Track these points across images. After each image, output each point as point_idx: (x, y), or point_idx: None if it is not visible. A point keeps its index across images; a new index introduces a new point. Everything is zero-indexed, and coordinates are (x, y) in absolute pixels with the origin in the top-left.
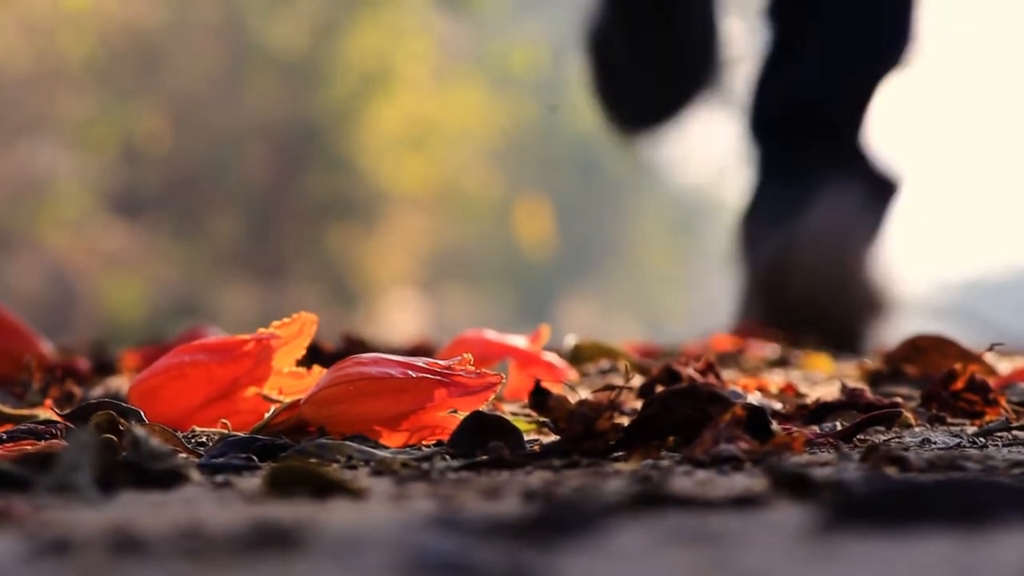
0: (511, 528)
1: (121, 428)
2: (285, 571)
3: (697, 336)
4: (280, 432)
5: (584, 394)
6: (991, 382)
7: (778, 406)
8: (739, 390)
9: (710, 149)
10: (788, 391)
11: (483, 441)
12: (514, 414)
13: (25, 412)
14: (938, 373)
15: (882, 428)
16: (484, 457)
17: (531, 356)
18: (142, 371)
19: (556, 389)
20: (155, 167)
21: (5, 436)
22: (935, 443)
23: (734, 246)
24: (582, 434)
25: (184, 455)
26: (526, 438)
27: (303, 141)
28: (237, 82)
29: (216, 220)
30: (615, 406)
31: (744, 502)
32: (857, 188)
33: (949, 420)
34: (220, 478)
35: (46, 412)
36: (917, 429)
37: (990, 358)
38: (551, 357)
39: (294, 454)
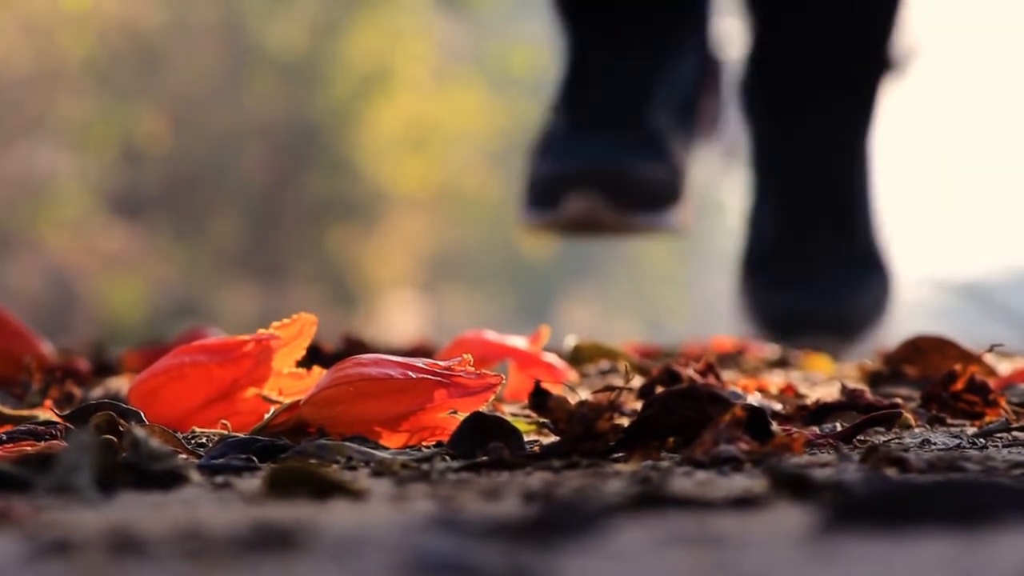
0: (511, 529)
1: (121, 429)
2: (285, 572)
3: (697, 337)
4: (280, 433)
5: (584, 395)
6: (991, 383)
7: (778, 407)
8: (739, 391)
9: (710, 149)
10: (788, 392)
11: (483, 442)
12: (514, 415)
13: (25, 413)
14: (938, 374)
15: (882, 429)
16: (484, 458)
17: (531, 357)
18: (142, 372)
19: (556, 390)
20: (155, 168)
21: (5, 437)
22: (935, 444)
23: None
24: (582, 435)
25: (184, 456)
26: (526, 439)
27: (303, 142)
28: (237, 83)
29: (216, 221)
30: (615, 407)
31: (744, 503)
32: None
33: (949, 421)
34: (220, 479)
35: (46, 413)
36: (917, 430)
37: (990, 359)
38: (551, 358)
39: (294, 455)
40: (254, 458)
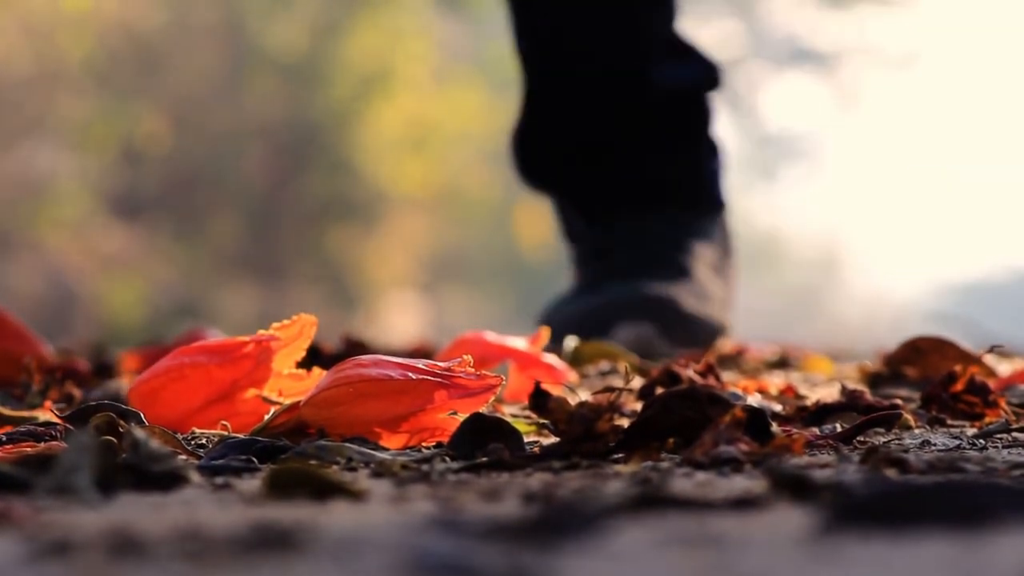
0: (511, 530)
1: (121, 430)
2: (285, 573)
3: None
4: (280, 434)
5: (584, 396)
6: (991, 384)
7: (778, 408)
8: (739, 392)
9: None
10: (788, 393)
11: (483, 443)
12: (514, 416)
13: (25, 414)
14: (938, 375)
15: (882, 430)
16: (484, 459)
17: (531, 358)
18: (142, 373)
19: (556, 391)
20: (155, 168)
21: (5, 438)
22: (935, 445)
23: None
24: (582, 436)
25: (184, 457)
26: (526, 440)
27: (303, 142)
28: (237, 83)
29: (216, 221)
30: (615, 408)
31: (744, 504)
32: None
33: (949, 422)
34: (220, 480)
35: (46, 414)
36: (917, 431)
37: (990, 360)
38: (551, 359)
39: (294, 456)
40: (254, 459)
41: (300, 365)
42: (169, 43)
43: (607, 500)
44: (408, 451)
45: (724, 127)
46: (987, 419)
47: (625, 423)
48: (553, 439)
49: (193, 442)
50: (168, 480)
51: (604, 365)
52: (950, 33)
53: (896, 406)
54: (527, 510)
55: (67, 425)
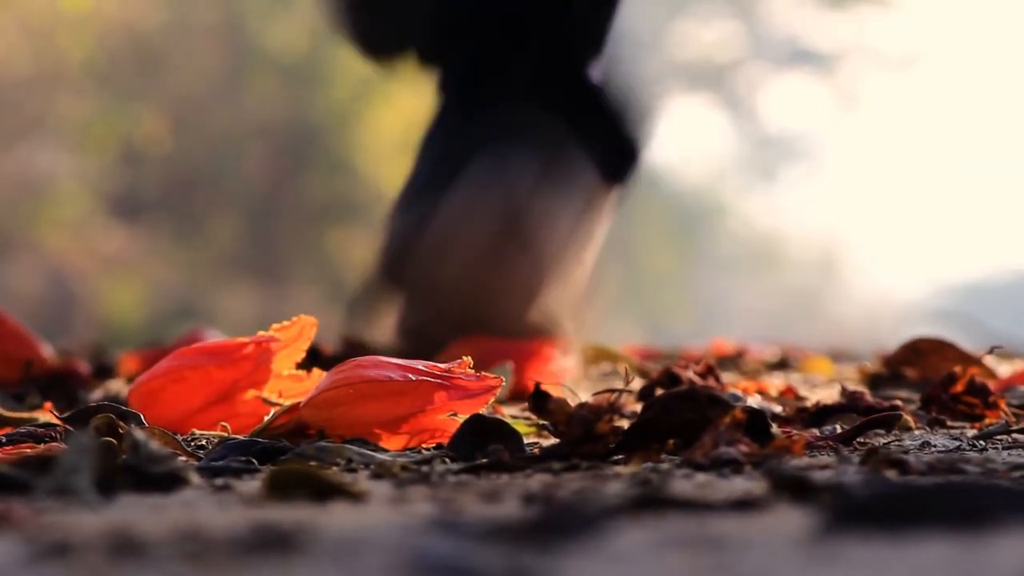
0: (511, 531)
1: (121, 431)
2: (285, 574)
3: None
4: (280, 435)
5: (584, 397)
6: (991, 385)
7: (778, 409)
8: (739, 393)
9: (710, 151)
10: (788, 394)
11: (483, 444)
12: (514, 417)
13: (25, 415)
14: (938, 376)
15: (882, 431)
16: (484, 460)
17: (531, 358)
18: (142, 374)
19: (556, 392)
20: (155, 169)
21: (5, 439)
22: (935, 446)
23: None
24: (582, 437)
25: (184, 458)
26: (526, 441)
27: (303, 143)
28: (237, 84)
29: (216, 222)
30: (615, 409)
31: (744, 505)
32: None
33: (949, 423)
34: (220, 481)
35: (46, 415)
36: (917, 432)
37: (990, 361)
38: (551, 359)
39: (294, 457)
40: (254, 460)
41: (300, 366)
42: (169, 43)
43: (607, 501)
44: (408, 452)
45: (724, 128)
46: (987, 420)
47: (625, 424)
48: (553, 440)
49: (193, 443)
50: (168, 481)
51: (604, 366)
52: (950, 34)
53: (896, 407)
54: (527, 511)
55: (67, 426)
